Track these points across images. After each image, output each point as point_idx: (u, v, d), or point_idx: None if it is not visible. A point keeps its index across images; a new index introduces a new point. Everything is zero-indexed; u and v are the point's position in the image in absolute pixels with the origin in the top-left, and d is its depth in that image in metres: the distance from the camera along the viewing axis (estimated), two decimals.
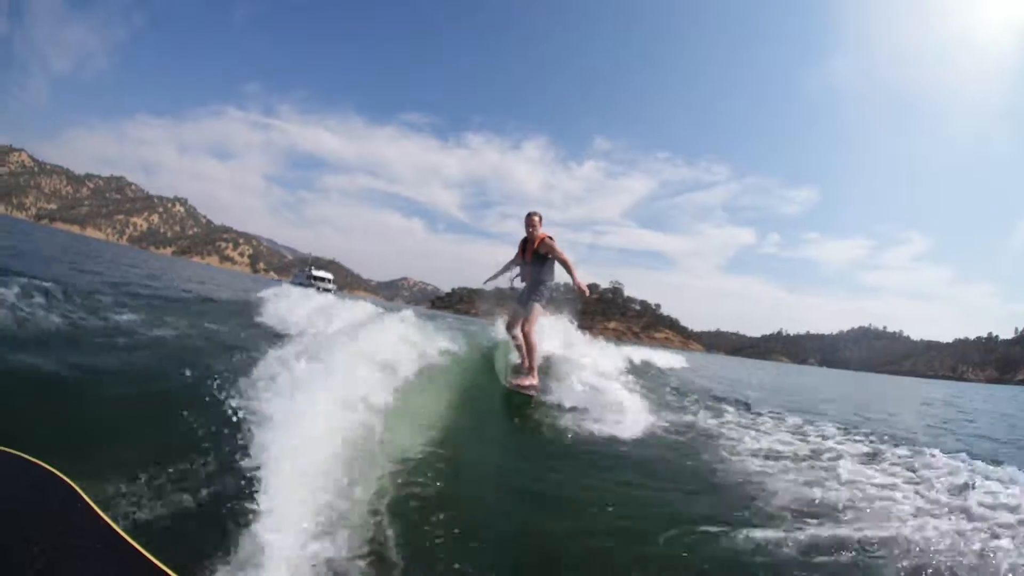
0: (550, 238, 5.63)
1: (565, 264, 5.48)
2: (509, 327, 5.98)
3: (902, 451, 5.16)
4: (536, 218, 5.68)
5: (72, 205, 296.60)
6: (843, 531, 3.00)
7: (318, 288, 37.49)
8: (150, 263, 29.51)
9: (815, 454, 4.94)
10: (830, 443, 5.46)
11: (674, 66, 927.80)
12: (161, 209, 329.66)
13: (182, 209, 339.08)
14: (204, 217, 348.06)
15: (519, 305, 5.86)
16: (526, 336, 5.61)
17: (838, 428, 6.49)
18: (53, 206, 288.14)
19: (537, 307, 5.63)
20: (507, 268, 6.12)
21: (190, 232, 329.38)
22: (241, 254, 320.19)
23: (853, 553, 2.77)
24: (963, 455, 4.94)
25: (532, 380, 5.58)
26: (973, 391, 37.08)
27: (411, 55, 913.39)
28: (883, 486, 3.92)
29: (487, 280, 6.29)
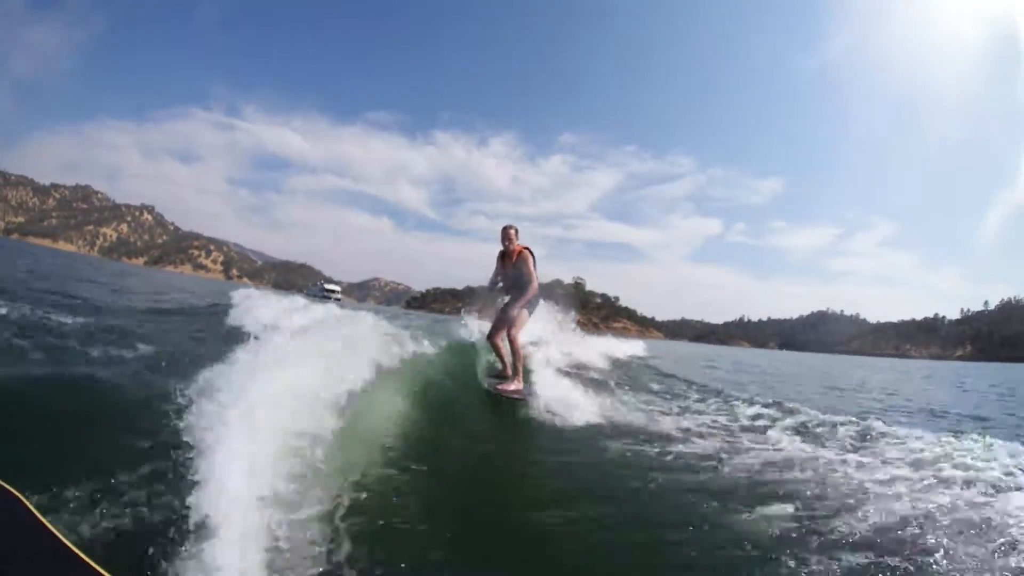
0: (528, 250, 5.74)
1: (528, 284, 5.58)
2: (491, 335, 5.85)
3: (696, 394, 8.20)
4: (512, 231, 5.76)
5: (40, 217, 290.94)
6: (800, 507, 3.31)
7: (331, 299, 46.81)
8: (161, 279, 32.55)
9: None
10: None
11: (646, 64, 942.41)
12: (129, 218, 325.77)
13: (150, 217, 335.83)
14: (172, 224, 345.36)
15: (503, 313, 5.81)
16: (512, 341, 5.63)
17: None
18: (21, 219, 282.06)
19: (524, 313, 5.68)
20: (495, 280, 6.10)
21: (159, 240, 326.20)
22: (214, 261, 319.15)
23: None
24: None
25: (517, 384, 5.62)
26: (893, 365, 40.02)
27: (379, 54, 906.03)
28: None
29: (490, 291, 6.21)
